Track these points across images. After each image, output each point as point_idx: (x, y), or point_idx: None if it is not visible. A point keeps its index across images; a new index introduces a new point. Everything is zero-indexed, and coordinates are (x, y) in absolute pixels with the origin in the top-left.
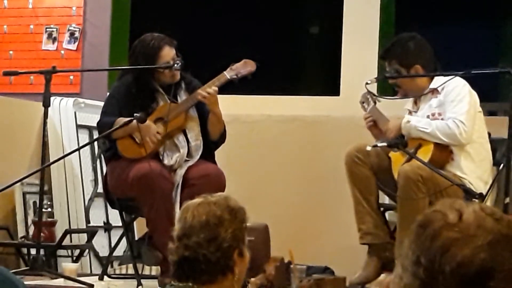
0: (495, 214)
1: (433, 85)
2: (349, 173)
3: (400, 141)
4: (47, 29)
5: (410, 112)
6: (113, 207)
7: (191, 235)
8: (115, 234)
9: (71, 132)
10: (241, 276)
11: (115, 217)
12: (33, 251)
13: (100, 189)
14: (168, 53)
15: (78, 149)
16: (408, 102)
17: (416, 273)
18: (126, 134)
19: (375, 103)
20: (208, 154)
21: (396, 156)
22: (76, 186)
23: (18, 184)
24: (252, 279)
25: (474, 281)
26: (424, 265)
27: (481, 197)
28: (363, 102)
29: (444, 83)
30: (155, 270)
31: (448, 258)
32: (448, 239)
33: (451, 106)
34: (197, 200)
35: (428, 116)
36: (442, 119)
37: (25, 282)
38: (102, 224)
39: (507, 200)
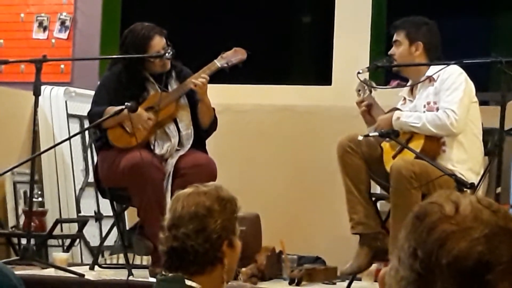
0: (492, 206)
1: (428, 73)
2: (341, 162)
3: (392, 131)
4: (38, 18)
5: (405, 100)
6: (104, 197)
7: (180, 226)
8: (106, 224)
9: (62, 121)
10: (232, 266)
11: (106, 206)
12: (23, 241)
13: (91, 178)
14: (159, 42)
15: (69, 139)
16: (404, 89)
17: (413, 266)
18: (116, 123)
19: (370, 91)
20: (199, 144)
21: (387, 147)
22: (66, 176)
23: (9, 173)
24: (243, 269)
25: (471, 274)
26: (420, 258)
27: (473, 187)
28: (359, 90)
29: (438, 71)
30: (146, 259)
31: (445, 251)
32: (444, 232)
33: (445, 95)
34: (187, 190)
35: (424, 105)
36: (437, 108)
37: (16, 272)
38: (93, 214)
39: (499, 190)
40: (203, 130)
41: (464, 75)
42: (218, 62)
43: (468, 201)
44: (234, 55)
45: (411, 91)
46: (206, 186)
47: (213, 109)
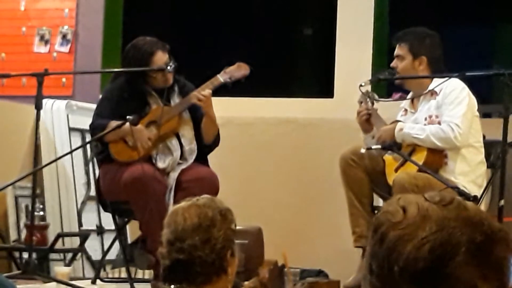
0: (443, 201)
1: (431, 86)
2: (344, 175)
3: (395, 144)
4: (39, 32)
5: (406, 111)
6: (105, 210)
7: (185, 238)
8: (108, 238)
9: (64, 135)
10: (232, 276)
11: (107, 220)
12: (25, 255)
13: (92, 192)
14: (161, 58)
15: (71, 152)
16: (406, 101)
17: (372, 282)
18: (118, 137)
19: (372, 104)
20: (201, 157)
21: (390, 160)
22: (68, 189)
23: (10, 187)
24: (246, 283)
25: (426, 274)
26: (375, 271)
27: (476, 199)
28: (361, 103)
29: (440, 83)
30: (148, 273)
31: (394, 259)
32: (393, 239)
33: (448, 109)
34: (185, 203)
35: (425, 118)
36: (439, 121)
37: (18, 286)
38: (95, 228)
39: (502, 202)
40: (206, 145)
41: (466, 89)
42: (221, 77)
43: (415, 202)
44: (237, 71)
45: (412, 103)
46: (201, 198)
47: None
